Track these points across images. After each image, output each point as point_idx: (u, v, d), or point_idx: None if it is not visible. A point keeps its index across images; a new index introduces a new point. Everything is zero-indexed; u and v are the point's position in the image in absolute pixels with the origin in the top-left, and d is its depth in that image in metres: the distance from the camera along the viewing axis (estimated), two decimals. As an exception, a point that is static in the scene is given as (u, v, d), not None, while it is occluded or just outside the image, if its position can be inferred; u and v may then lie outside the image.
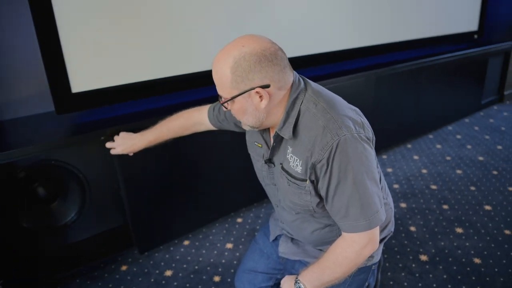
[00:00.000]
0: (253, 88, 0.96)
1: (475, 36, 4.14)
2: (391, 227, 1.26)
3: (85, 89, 1.87)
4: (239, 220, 2.50)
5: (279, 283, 1.41)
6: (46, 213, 1.92)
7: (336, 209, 1.02)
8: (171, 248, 2.24)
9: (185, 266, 2.10)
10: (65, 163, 1.87)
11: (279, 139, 1.08)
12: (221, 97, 1.03)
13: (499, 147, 3.46)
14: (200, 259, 2.15)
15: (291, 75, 1.03)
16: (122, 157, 1.74)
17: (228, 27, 2.29)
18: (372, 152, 1.02)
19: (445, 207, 2.57)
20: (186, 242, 2.28)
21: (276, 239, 1.38)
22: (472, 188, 2.79)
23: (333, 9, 2.79)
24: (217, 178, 2.35)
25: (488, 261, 2.05)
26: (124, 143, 1.57)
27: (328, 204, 1.04)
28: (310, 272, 1.09)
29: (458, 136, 3.74)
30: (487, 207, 2.54)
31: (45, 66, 1.73)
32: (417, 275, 1.97)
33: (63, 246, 2.04)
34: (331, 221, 1.14)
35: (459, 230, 2.32)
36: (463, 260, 2.07)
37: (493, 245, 2.18)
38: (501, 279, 1.92)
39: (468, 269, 2.00)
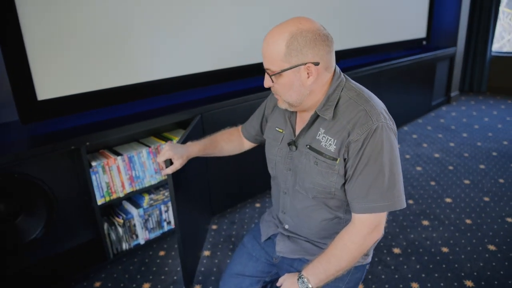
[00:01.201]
0: (305, 64, 1.01)
1: (424, 42, 4.43)
2: (383, 230, 1.28)
3: (52, 96, 1.77)
4: (214, 227, 2.46)
5: (265, 286, 1.40)
6: (10, 230, 1.79)
7: (358, 188, 1.05)
8: (146, 260, 2.16)
9: (163, 277, 2.03)
10: (29, 176, 1.75)
11: (312, 119, 1.12)
12: (268, 71, 1.06)
13: (452, 144, 3.70)
14: (178, 269, 2.09)
15: (335, 61, 1.10)
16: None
17: (201, 38, 2.28)
18: (397, 144, 1.08)
19: (410, 202, 2.70)
20: (161, 253, 2.21)
21: (270, 239, 1.36)
22: (432, 183, 2.96)
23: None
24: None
25: (455, 249, 2.17)
26: (179, 154, 1.33)
27: (351, 183, 1.07)
28: (315, 264, 1.09)
29: (414, 136, 3.95)
30: (448, 200, 2.70)
31: (7, 72, 1.62)
32: (392, 267, 2.05)
33: (31, 264, 1.91)
34: (341, 213, 1.17)
35: (425, 222, 2.44)
36: (433, 250, 2.17)
37: (457, 234, 2.31)
38: (468, 264, 2.04)
39: (438, 258, 2.10)
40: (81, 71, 1.86)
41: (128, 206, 2.16)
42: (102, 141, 1.99)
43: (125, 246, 2.12)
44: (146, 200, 2.15)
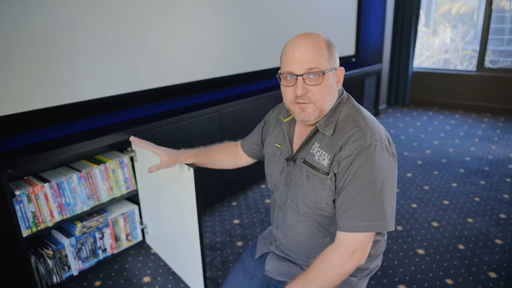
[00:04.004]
0: (338, 68, 1.12)
1: (353, 60, 4.71)
2: (379, 262, 1.26)
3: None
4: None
5: None
6: None
7: (342, 202, 1.03)
8: (80, 292, 2.02)
9: (99, 309, 1.91)
10: None
11: (311, 134, 1.14)
12: (314, 69, 1.05)
13: (382, 155, 3.94)
14: (116, 298, 1.98)
15: None
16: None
17: (136, 56, 2.23)
18: (395, 168, 1.07)
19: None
20: (97, 283, 2.08)
21: (262, 256, 1.36)
22: (366, 193, 3.11)
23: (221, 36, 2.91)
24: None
25: (388, 255, 2.30)
26: (166, 153, 1.42)
27: (337, 198, 1.06)
28: (296, 281, 1.09)
29: (348, 148, 4.14)
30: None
31: None
32: None
33: None
34: (333, 230, 1.15)
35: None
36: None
37: (389, 241, 2.44)
38: (401, 269, 2.17)
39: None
40: (1, 91, 1.72)
41: (58, 236, 2.01)
42: (26, 167, 1.85)
43: (56, 279, 1.96)
44: (78, 228, 2.02)
